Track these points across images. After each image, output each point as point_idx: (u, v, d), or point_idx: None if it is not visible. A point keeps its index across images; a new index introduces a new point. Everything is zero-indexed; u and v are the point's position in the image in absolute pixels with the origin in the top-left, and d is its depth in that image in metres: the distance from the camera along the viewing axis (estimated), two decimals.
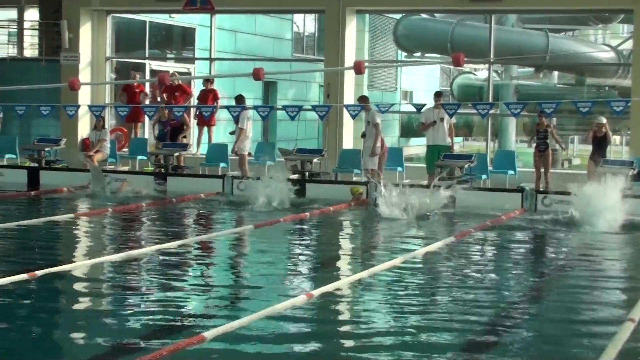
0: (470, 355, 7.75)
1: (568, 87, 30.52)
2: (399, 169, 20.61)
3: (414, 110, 21.31)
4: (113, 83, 24.59)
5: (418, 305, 9.44)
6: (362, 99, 20.04)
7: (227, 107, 20.51)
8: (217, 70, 24.95)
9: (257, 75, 11.93)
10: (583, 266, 12.31)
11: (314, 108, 20.67)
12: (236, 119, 20.14)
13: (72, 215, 15.61)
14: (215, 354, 7.54)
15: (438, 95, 20.25)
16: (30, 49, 32.53)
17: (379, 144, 19.26)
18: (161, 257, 11.78)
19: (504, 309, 9.42)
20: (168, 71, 24.72)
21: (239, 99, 20.43)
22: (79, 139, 23.24)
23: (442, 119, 19.31)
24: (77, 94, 22.65)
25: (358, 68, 12.09)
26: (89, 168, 19.83)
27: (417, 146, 31.97)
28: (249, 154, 20.75)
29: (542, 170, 19.15)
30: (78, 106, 21.39)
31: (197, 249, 12.82)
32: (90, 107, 21.57)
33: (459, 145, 30.50)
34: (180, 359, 7.24)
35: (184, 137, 21.81)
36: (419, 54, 28.99)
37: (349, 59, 21.55)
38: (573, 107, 20.48)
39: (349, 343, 8.13)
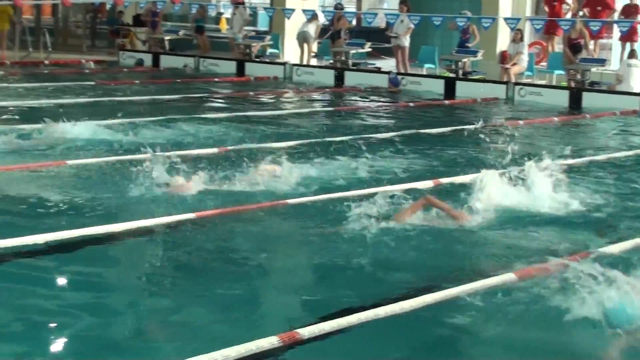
0: None
1: None
2: None
3: None
4: None
5: None
6: None
7: None
8: None
9: None
10: None
11: None
12: None
13: (478, 125, 15.17)
14: None
15: None
16: None
17: None
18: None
19: None
20: None
21: None
22: (497, 51, 23.34)
23: None
24: (498, 6, 22.77)
25: None
26: None
27: None
28: None
29: None
30: (494, 18, 21.43)
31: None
32: (506, 19, 21.46)
33: None
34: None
35: None
36: None
37: None
38: None
39: None
